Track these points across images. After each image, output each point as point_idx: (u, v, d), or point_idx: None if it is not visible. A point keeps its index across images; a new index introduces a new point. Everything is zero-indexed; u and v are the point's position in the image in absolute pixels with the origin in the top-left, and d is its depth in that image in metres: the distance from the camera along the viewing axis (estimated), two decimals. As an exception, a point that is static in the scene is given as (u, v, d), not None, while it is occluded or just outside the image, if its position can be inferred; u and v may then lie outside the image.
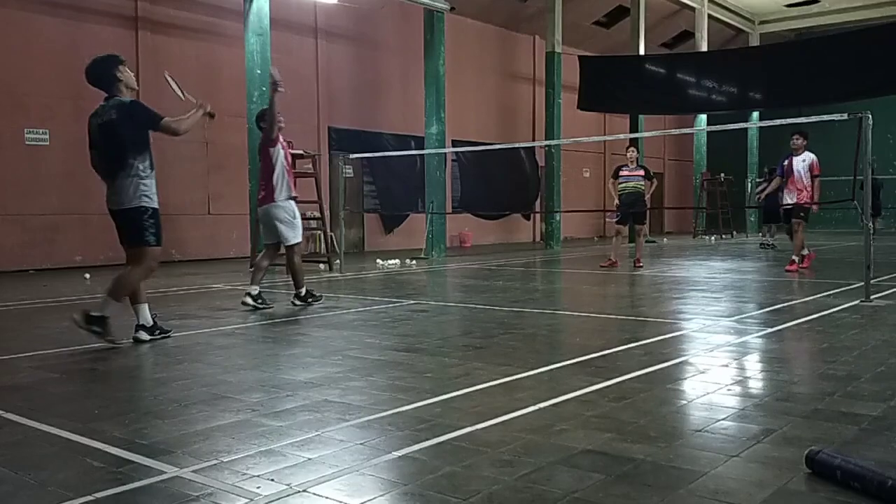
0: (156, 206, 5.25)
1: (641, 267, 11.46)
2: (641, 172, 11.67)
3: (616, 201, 11.77)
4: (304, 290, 7.30)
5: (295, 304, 7.26)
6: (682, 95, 18.97)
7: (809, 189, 10.45)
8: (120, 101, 5.20)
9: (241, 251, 13.63)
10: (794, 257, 10.49)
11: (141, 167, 5.16)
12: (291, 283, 7.41)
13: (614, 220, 12.39)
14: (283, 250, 7.45)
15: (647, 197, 11.85)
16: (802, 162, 10.48)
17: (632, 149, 11.97)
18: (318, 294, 7.48)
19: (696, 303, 7.36)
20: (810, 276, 9.81)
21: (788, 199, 10.70)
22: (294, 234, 7.20)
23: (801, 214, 10.60)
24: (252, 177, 11.90)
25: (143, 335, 5.30)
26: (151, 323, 5.37)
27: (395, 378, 4.15)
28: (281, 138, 7.22)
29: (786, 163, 10.71)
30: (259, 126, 7.42)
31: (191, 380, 4.14)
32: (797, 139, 10.61)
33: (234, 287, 9.43)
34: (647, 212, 12.73)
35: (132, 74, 5.40)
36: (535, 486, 2.49)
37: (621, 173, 11.73)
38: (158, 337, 5.38)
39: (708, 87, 18.84)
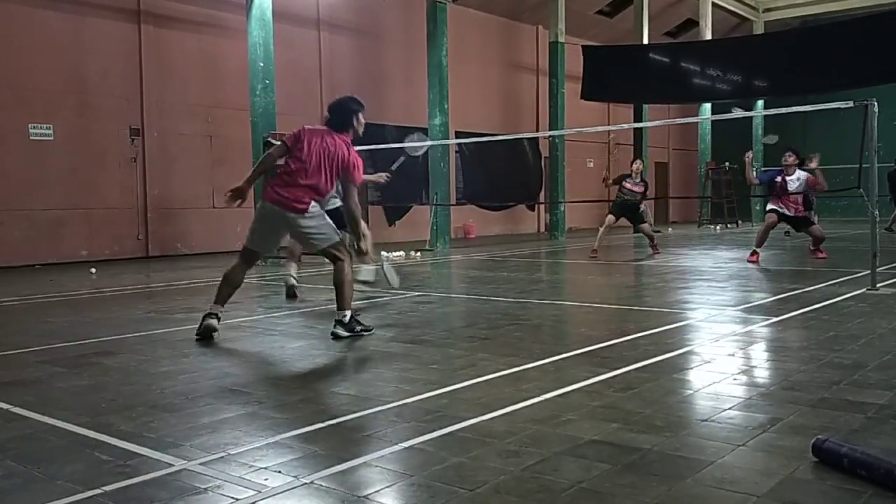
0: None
1: (659, 253, 11.62)
2: (642, 189, 11.81)
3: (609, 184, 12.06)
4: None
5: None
6: (686, 84, 18.85)
7: (800, 202, 10.18)
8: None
9: (245, 244, 13.63)
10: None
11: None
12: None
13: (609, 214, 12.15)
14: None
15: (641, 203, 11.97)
16: (797, 181, 10.01)
17: (637, 161, 12.02)
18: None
19: (702, 292, 7.35)
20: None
21: (787, 212, 10.17)
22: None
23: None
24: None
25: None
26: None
27: (400, 369, 4.15)
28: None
29: (778, 179, 10.16)
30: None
31: (197, 373, 4.15)
32: (789, 157, 10.08)
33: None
34: (645, 211, 12.61)
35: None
36: (542, 476, 2.50)
37: (625, 184, 11.79)
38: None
39: (712, 76, 18.73)
